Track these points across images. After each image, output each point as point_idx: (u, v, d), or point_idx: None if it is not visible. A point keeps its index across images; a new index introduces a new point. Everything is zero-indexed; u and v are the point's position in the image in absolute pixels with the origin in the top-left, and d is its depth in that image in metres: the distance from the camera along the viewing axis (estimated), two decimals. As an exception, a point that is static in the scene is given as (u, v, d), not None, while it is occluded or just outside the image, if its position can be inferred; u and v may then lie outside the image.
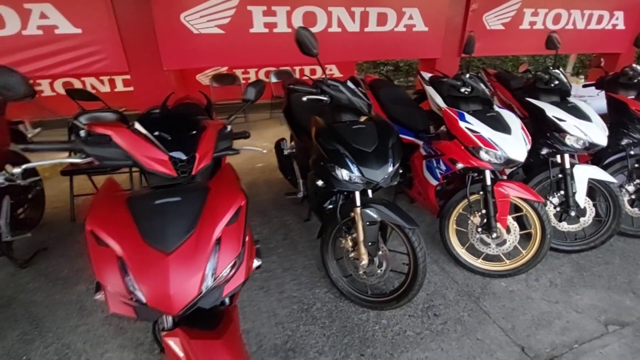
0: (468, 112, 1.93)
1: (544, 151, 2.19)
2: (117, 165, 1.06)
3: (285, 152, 2.59)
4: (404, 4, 3.59)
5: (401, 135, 2.52)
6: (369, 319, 1.84)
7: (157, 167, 1.03)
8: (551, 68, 2.20)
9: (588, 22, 4.51)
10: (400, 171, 1.84)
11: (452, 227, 2.17)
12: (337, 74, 6.10)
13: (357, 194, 1.67)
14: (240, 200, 1.07)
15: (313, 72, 6.01)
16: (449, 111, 1.96)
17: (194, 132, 1.14)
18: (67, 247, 2.45)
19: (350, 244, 1.80)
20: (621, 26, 4.79)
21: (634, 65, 2.34)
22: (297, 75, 5.84)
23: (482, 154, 1.84)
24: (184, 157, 1.06)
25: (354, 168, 1.58)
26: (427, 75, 2.41)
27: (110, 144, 1.02)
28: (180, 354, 0.98)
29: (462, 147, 1.90)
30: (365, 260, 1.73)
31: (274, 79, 5.26)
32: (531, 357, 1.63)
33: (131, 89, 5.28)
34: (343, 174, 1.60)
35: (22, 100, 1.39)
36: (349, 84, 1.70)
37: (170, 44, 3.08)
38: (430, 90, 2.23)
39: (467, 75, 1.91)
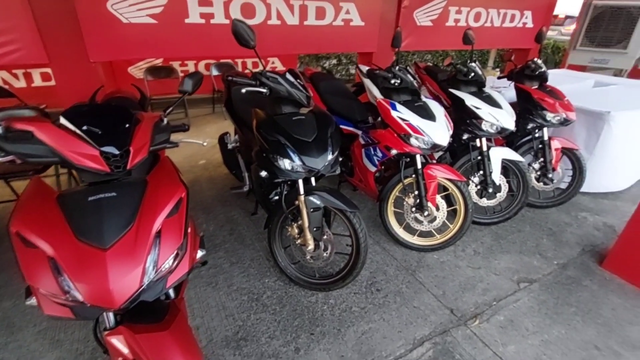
0: (399, 102, 2.10)
1: (465, 136, 2.46)
2: (41, 162, 1.00)
3: (230, 146, 2.57)
4: (340, -1, 3.71)
5: (341, 126, 2.65)
6: (318, 300, 1.95)
7: (87, 163, 1.00)
8: (468, 62, 2.46)
9: (503, 20, 5.05)
10: (340, 159, 1.96)
11: (390, 209, 2.35)
12: (279, 66, 6.09)
13: (301, 182, 1.75)
14: (181, 192, 1.08)
15: (256, 64, 5.93)
16: (382, 102, 2.11)
17: (127, 125, 1.12)
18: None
19: (296, 231, 1.88)
20: (530, 24, 5.43)
21: (535, 59, 2.71)
22: (240, 68, 5.73)
23: (412, 140, 2.02)
24: (116, 151, 1.04)
25: (295, 157, 1.64)
26: (364, 68, 2.54)
27: (32, 140, 0.96)
28: (125, 350, 0.98)
29: (395, 135, 2.06)
30: (311, 246, 1.82)
31: (214, 72, 5.10)
32: (458, 317, 1.86)
33: (51, 83, 4.78)
34: (285, 163, 1.66)
35: None
36: (288, 76, 1.75)
37: (97, 33, 2.85)
38: (367, 82, 2.37)
39: (397, 68, 2.08)
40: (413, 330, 1.77)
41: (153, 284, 0.97)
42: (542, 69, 2.63)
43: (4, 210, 2.74)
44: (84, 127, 1.03)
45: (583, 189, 2.95)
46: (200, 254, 1.19)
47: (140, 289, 0.94)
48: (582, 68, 5.74)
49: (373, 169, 2.35)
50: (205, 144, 1.48)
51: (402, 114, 2.02)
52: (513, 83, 2.86)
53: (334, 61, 7.46)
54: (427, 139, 2.00)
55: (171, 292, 1.19)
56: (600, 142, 2.87)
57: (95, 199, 0.98)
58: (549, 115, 2.56)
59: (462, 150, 2.54)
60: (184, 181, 1.15)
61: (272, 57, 6.04)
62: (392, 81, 2.08)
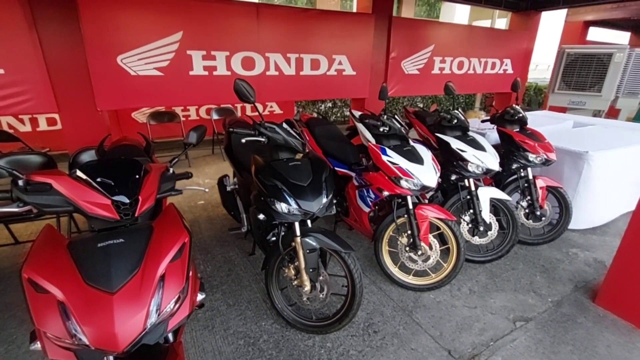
0: (389, 147, 2.24)
1: (453, 177, 2.59)
2: (56, 212, 1.09)
3: (229, 188, 2.67)
4: (334, 52, 4.04)
5: (336, 168, 2.78)
6: (315, 344, 1.94)
7: (100, 212, 1.08)
8: (451, 109, 2.65)
9: (484, 68, 5.44)
10: (335, 201, 2.05)
11: (384, 249, 2.41)
12: (277, 110, 6.39)
13: (297, 224, 1.82)
14: (184, 237, 1.16)
15: (254, 108, 6.23)
16: (373, 147, 2.26)
17: (137, 176, 1.22)
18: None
19: (293, 272, 1.92)
20: (510, 71, 5.85)
21: (513, 105, 2.93)
22: (239, 112, 6.01)
23: (403, 182, 2.13)
24: (126, 200, 1.13)
25: (291, 201, 1.74)
26: (357, 114, 2.73)
27: (50, 191, 1.05)
28: (125, 394, 1.00)
29: (386, 177, 2.18)
30: (307, 287, 1.86)
31: (215, 116, 5.35)
32: (456, 359, 1.85)
33: (56, 127, 4.97)
34: (282, 207, 1.75)
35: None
36: (284, 125, 1.90)
37: (106, 85, 3.07)
38: (360, 127, 2.53)
39: (385, 117, 2.24)
40: (411, 374, 1.76)
41: (155, 327, 1.01)
42: (520, 114, 2.84)
43: (1, 254, 2.74)
44: (98, 179, 1.12)
45: (572, 225, 3.05)
46: (200, 297, 1.23)
47: (144, 332, 0.98)
48: (562, 109, 6.09)
49: (367, 209, 2.44)
50: (207, 190, 1.58)
51: (392, 158, 2.16)
52: (496, 126, 3.05)
53: (329, 104, 7.83)
54: (416, 181, 2.12)
55: (170, 336, 1.22)
56: (582, 180, 3.01)
57: (104, 245, 1.05)
58: (531, 156, 2.72)
59: (452, 190, 2.66)
60: (187, 226, 1.22)
61: (271, 102, 6.36)
62: (381, 129, 2.24)
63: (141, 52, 3.09)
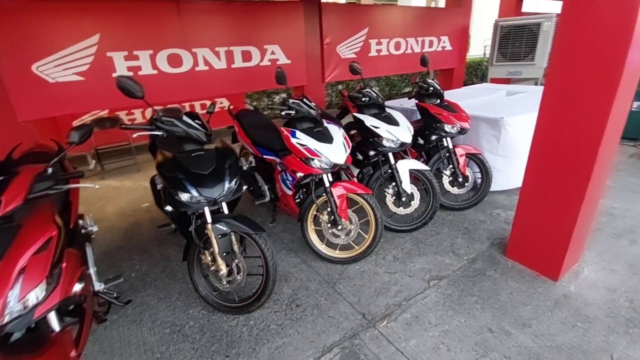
0: (301, 130, 2.33)
1: (372, 153, 2.71)
2: None
3: (158, 187, 2.69)
4: (265, 42, 4.06)
5: (265, 156, 2.85)
6: (239, 323, 2.03)
7: None
8: (364, 88, 2.76)
9: (422, 46, 5.60)
10: (245, 187, 2.13)
11: (310, 228, 2.52)
12: (227, 104, 6.34)
13: (207, 211, 1.89)
14: (51, 232, 1.21)
15: (204, 106, 6.17)
16: (284, 130, 2.34)
17: (1, 177, 1.25)
18: None
19: (209, 258, 1.99)
20: (449, 47, 6.04)
21: (428, 80, 3.07)
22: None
23: (313, 162, 2.23)
24: None
25: (192, 190, 1.80)
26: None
27: None
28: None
29: (298, 159, 2.27)
30: (224, 270, 1.94)
31: (161, 118, 5.28)
32: (369, 320, 1.99)
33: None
34: (184, 196, 1.80)
35: None
36: (185, 118, 1.94)
37: (24, 95, 2.99)
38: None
39: (291, 101, 2.32)
40: (324, 339, 1.88)
41: (18, 316, 1.06)
42: (434, 88, 2.98)
43: None
44: None
45: (497, 187, 3.26)
46: (78, 286, 1.28)
47: (4, 322, 1.03)
48: (505, 80, 6.36)
49: (289, 192, 2.53)
50: (97, 187, 1.62)
51: (300, 139, 2.24)
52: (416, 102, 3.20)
53: (284, 95, 7.84)
54: (325, 159, 2.22)
55: (55, 325, 1.26)
56: (501, 144, 3.21)
57: None
58: (447, 127, 2.88)
59: (374, 166, 2.79)
60: (58, 222, 1.27)
61: (219, 97, 6.31)
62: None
63: (57, 59, 3.02)
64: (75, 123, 5.36)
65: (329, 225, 2.44)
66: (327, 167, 2.25)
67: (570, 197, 2.01)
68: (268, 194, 2.88)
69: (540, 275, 2.28)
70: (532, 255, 2.33)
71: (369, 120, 2.62)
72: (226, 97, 6.41)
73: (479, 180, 3.18)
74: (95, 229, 2.00)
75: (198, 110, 5.89)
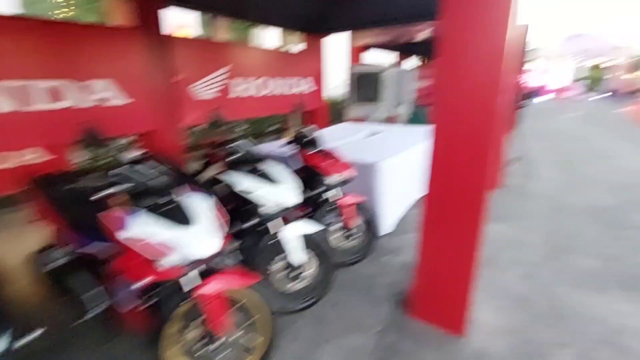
0: (146, 208, 1.53)
1: (250, 223, 2.12)
2: None
3: None
4: (89, 75, 3.01)
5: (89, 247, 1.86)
6: None
7: None
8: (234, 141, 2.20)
9: (289, 87, 5.47)
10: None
11: (171, 352, 1.67)
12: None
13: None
14: None
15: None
16: (109, 216, 1.50)
17: None
18: None
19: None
20: (314, 87, 6.13)
21: (301, 129, 2.73)
22: None
23: (162, 262, 1.46)
24: None
25: None
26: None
27: None
28: None
29: (139, 260, 1.46)
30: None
31: None
32: None
33: None
34: None
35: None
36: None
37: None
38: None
39: (117, 171, 1.51)
40: None
41: None
42: (307, 137, 2.66)
43: None
44: None
45: (380, 231, 3.14)
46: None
47: None
48: (362, 118, 6.87)
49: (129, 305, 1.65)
50: None
51: (133, 231, 1.45)
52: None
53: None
54: (183, 252, 1.49)
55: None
56: (377, 188, 3.14)
57: None
58: (327, 179, 2.57)
59: (254, 243, 2.16)
60: None
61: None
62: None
63: None
64: None
65: (199, 344, 1.67)
66: (186, 264, 1.52)
67: (464, 242, 1.92)
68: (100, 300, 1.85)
69: (449, 333, 2.11)
70: (435, 310, 2.16)
71: (240, 184, 2.03)
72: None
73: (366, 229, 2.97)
74: None
75: None
